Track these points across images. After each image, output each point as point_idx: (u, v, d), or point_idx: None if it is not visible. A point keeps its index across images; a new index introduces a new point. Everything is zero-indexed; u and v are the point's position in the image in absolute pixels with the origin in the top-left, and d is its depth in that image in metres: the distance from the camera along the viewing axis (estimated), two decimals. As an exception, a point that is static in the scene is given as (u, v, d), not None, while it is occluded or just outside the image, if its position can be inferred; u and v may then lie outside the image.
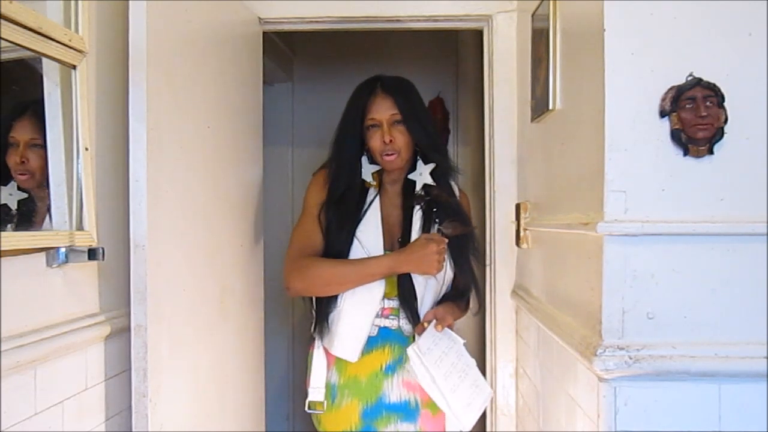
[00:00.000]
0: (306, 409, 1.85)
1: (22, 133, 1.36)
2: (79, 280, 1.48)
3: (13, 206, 1.33)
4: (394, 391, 1.79)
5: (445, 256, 1.78)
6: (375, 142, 1.83)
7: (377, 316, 1.81)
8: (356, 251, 1.79)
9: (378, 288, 1.78)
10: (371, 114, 1.82)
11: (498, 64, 2.22)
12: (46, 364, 1.31)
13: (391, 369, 1.81)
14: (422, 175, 1.87)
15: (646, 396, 1.22)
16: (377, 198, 1.86)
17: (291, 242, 1.85)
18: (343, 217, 1.82)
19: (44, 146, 1.36)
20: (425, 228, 1.82)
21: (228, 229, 1.94)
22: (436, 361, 1.69)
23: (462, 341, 1.80)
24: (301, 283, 1.78)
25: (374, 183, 1.88)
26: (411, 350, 1.68)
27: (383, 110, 1.82)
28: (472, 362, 1.79)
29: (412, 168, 1.89)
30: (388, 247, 1.83)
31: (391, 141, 1.80)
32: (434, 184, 1.87)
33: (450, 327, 1.77)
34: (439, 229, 1.81)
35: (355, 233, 1.80)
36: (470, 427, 1.73)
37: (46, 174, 1.37)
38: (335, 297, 1.80)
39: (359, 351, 1.79)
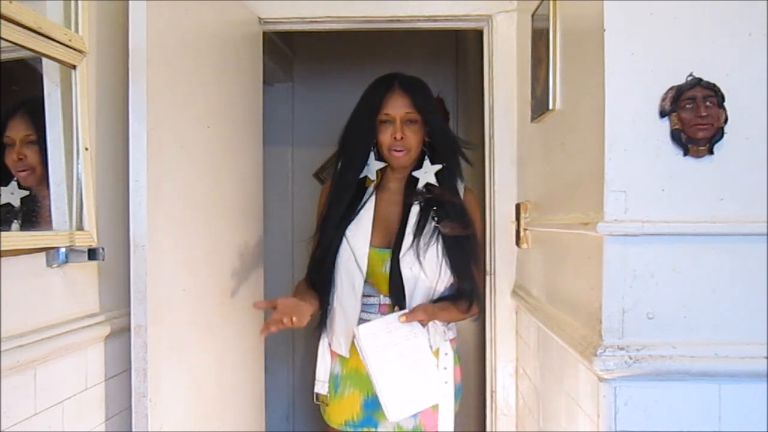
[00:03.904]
0: (315, 400, 1.90)
1: (16, 131, 1.36)
2: (79, 280, 1.48)
3: (16, 203, 1.33)
4: None
5: (441, 256, 1.78)
6: (385, 137, 1.83)
7: (375, 312, 1.82)
8: (344, 250, 1.81)
9: (358, 284, 1.80)
10: (386, 109, 1.82)
11: (498, 64, 2.22)
12: (46, 364, 1.31)
13: None
14: (426, 174, 1.87)
15: (646, 396, 1.22)
16: (372, 197, 1.87)
17: None
18: (336, 215, 1.84)
19: (40, 142, 1.36)
20: (421, 225, 1.82)
21: (228, 229, 1.94)
22: (380, 346, 1.68)
23: (427, 336, 1.78)
24: None
25: (374, 180, 1.89)
26: (356, 328, 1.70)
27: (398, 107, 1.82)
28: (432, 362, 1.74)
29: (418, 166, 1.89)
30: (386, 244, 1.83)
31: (402, 138, 1.80)
32: (437, 184, 1.86)
33: (422, 323, 1.75)
34: (437, 227, 1.81)
35: (345, 232, 1.82)
36: (396, 420, 1.72)
37: (46, 170, 1.37)
38: (329, 295, 1.83)
39: (349, 345, 1.82)
